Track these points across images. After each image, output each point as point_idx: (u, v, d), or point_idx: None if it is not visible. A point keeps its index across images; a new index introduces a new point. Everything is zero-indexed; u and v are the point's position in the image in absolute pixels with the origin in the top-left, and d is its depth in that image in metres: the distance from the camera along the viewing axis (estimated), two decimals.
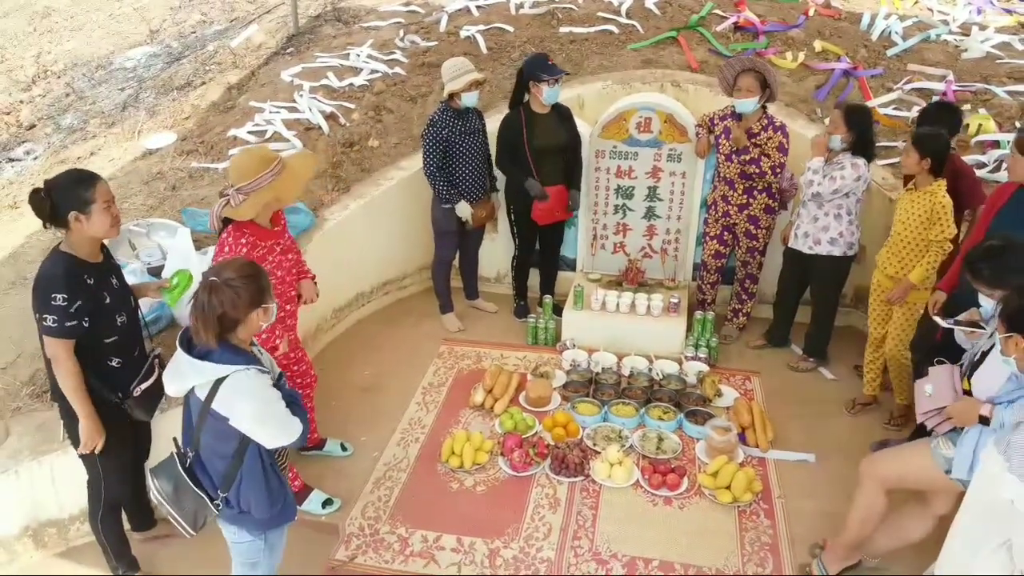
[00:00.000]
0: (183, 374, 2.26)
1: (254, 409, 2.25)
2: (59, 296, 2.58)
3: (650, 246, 5.05)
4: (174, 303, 2.96)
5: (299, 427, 2.34)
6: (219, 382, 2.22)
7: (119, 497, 3.10)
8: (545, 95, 4.31)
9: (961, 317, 2.83)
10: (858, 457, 3.45)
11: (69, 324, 2.61)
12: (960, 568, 2.19)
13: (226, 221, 3.02)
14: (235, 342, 2.29)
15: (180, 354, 2.26)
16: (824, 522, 3.40)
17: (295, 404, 2.42)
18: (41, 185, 2.65)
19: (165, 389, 2.37)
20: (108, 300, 2.75)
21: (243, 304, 2.23)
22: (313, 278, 3.46)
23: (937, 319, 3.01)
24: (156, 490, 2.40)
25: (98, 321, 2.72)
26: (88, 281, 2.69)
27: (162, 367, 2.77)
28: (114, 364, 2.82)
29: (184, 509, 2.40)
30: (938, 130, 3.61)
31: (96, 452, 2.82)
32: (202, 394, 2.25)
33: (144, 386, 2.87)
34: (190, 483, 2.37)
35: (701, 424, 3.92)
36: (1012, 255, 2.72)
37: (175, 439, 2.46)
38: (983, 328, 2.55)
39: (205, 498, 2.38)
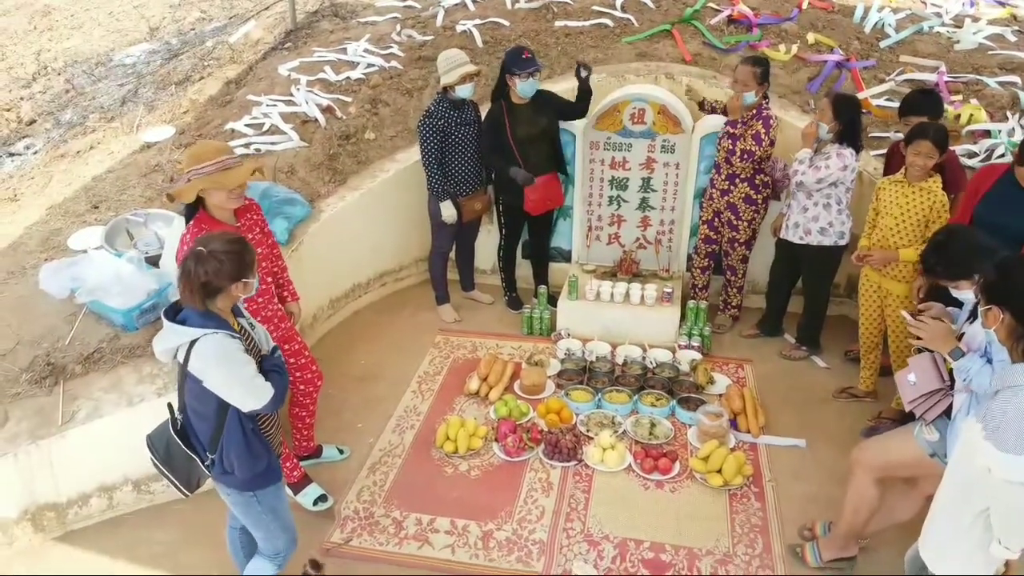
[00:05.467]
0: (165, 337, 2.39)
1: (221, 371, 2.36)
2: None
3: (644, 237, 5.08)
4: None
5: (269, 392, 2.42)
6: (192, 345, 2.33)
7: None
8: (519, 89, 4.35)
9: (930, 312, 2.84)
10: (849, 442, 3.50)
11: None
12: (942, 540, 2.22)
13: (190, 211, 2.95)
14: (212, 309, 2.40)
15: (164, 321, 2.40)
16: (813, 505, 3.45)
17: (277, 372, 2.49)
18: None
19: (155, 353, 2.44)
20: None
21: (225, 275, 2.34)
22: (297, 299, 3.45)
23: (904, 313, 2.98)
24: (151, 453, 2.51)
25: None
26: None
27: None
28: None
29: (176, 469, 2.51)
30: (938, 123, 3.66)
31: None
32: (181, 357, 2.37)
33: None
34: (180, 444, 2.46)
35: (693, 410, 3.95)
36: (955, 245, 2.79)
37: (169, 404, 2.57)
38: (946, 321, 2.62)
39: (196, 458, 2.48)
